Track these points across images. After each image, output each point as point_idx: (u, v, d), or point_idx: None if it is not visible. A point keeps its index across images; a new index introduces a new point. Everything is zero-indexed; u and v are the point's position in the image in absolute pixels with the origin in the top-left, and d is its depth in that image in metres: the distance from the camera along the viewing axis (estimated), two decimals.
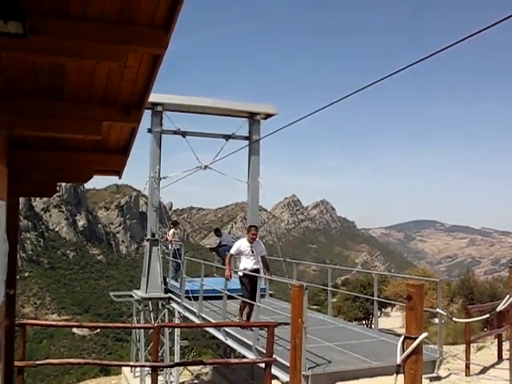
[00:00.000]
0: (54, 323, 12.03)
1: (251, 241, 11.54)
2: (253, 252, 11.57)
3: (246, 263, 11.57)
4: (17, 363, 6.47)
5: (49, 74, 4.35)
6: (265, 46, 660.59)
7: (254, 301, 10.86)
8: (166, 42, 3.71)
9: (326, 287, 13.63)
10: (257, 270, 11.66)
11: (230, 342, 11.77)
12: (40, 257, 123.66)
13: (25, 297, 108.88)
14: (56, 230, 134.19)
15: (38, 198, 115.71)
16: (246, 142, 19.17)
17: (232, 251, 11.72)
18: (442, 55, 5.35)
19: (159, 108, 18.16)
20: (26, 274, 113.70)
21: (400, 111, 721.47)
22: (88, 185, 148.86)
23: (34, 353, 71.77)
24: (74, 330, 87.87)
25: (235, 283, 16.82)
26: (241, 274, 11.67)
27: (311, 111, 8.64)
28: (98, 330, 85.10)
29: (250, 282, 11.34)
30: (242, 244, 11.65)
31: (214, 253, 20.15)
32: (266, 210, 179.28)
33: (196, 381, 19.67)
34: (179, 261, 17.07)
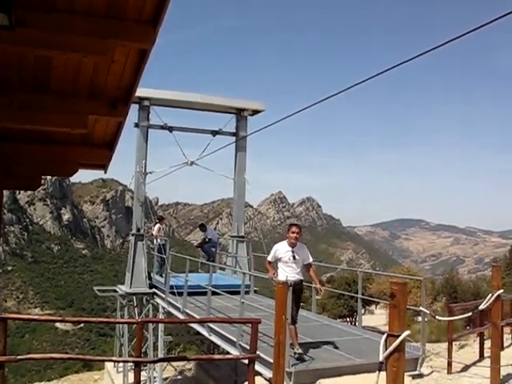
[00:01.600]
0: (36, 317, 11.94)
1: (293, 244, 9.01)
2: (295, 258, 8.98)
3: (286, 273, 8.93)
4: None
5: (35, 67, 4.33)
6: (253, 44, 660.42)
7: (296, 320, 9.13)
8: (153, 38, 3.71)
9: (310, 284, 13.64)
10: (300, 283, 9.16)
11: (213, 338, 11.77)
12: (24, 250, 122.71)
13: (7, 291, 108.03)
14: (40, 223, 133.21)
15: (22, 191, 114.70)
16: (233, 138, 19.13)
17: (269, 258, 9.24)
18: (435, 53, 5.37)
19: (146, 102, 18.07)
20: (9, 268, 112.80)
21: (386, 111, 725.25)
22: (73, 178, 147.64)
23: (15, 347, 71.35)
24: (57, 324, 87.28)
25: (220, 279, 16.85)
26: None
27: (299, 108, 8.66)
28: (82, 325, 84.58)
29: (294, 294, 8.68)
30: (281, 248, 9.11)
31: (199, 249, 20.14)
32: (251, 207, 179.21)
33: (179, 376, 19.66)
34: (164, 256, 17.03)
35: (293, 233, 8.96)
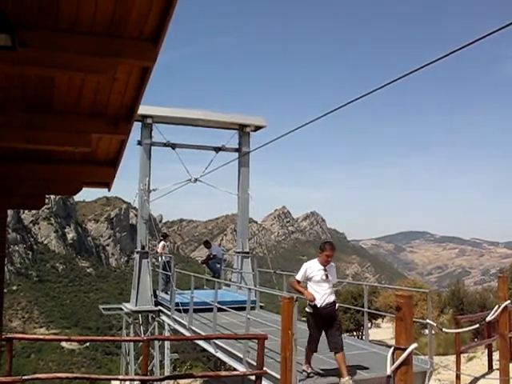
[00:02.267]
0: (41, 337, 11.89)
1: (325, 263, 8.42)
2: (327, 277, 8.38)
3: (318, 293, 8.27)
4: (2, 379, 6.38)
5: (37, 87, 4.36)
6: (253, 59, 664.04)
7: (335, 347, 8.34)
8: (155, 55, 3.73)
9: None
10: (333, 304, 8.43)
11: (220, 355, 11.70)
12: (28, 270, 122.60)
13: (12, 310, 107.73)
14: (45, 242, 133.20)
15: (26, 211, 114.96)
16: (236, 154, 19.16)
17: (298, 276, 8.48)
18: (431, 66, 5.38)
19: (149, 120, 18.12)
20: (14, 288, 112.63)
21: (388, 123, 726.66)
22: (77, 197, 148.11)
23: (21, 368, 70.95)
24: (63, 343, 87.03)
25: (226, 295, 16.80)
26: (309, 309, 8.49)
27: (301, 123, 8.66)
28: (88, 344, 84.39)
29: (322, 321, 8.29)
30: (313, 266, 8.43)
31: (204, 265, 20.11)
32: (256, 222, 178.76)
33: None
34: (169, 273, 16.99)
35: (330, 250, 8.37)
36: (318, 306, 8.15)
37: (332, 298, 8.40)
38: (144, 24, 3.49)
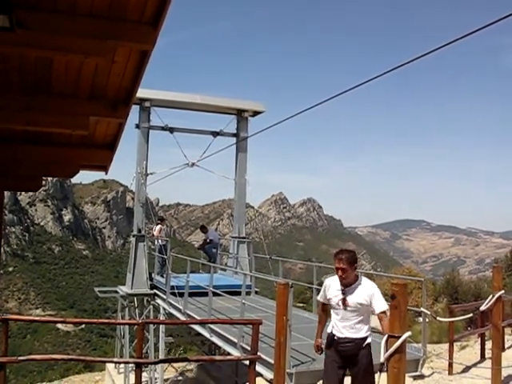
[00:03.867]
0: (37, 318, 11.94)
1: (342, 280, 5.62)
2: (345, 303, 5.64)
3: (333, 323, 5.82)
4: None
5: (36, 69, 4.34)
6: (253, 45, 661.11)
7: None
8: (154, 39, 3.71)
9: (311, 285, 13.63)
10: (351, 342, 5.63)
11: (214, 339, 11.76)
12: (25, 251, 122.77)
13: (9, 291, 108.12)
14: (41, 224, 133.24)
15: (23, 192, 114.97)
16: (234, 139, 19.13)
17: (320, 297, 6.13)
18: (429, 55, 5.36)
19: (147, 103, 18.05)
20: (11, 269, 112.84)
21: (387, 111, 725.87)
22: (74, 179, 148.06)
23: (17, 348, 71.35)
24: (59, 325, 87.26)
25: (221, 279, 16.85)
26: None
27: (300, 109, 8.63)
28: (83, 326, 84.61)
29: (341, 359, 5.71)
30: (332, 284, 5.81)
31: (200, 250, 20.16)
32: (252, 207, 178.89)
33: (180, 377, 19.64)
34: (165, 257, 17.03)
35: (337, 261, 5.61)
36: (335, 338, 5.73)
37: (351, 332, 5.62)
38: (144, 7, 3.46)
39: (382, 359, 4.55)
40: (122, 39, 3.66)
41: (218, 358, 11.49)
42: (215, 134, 19.45)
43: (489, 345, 9.49)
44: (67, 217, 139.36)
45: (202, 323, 12.09)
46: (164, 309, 16.13)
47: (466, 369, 9.75)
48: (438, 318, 8.81)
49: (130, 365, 15.98)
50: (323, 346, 5.96)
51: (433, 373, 9.67)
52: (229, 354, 10.70)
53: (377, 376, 4.92)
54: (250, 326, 7.53)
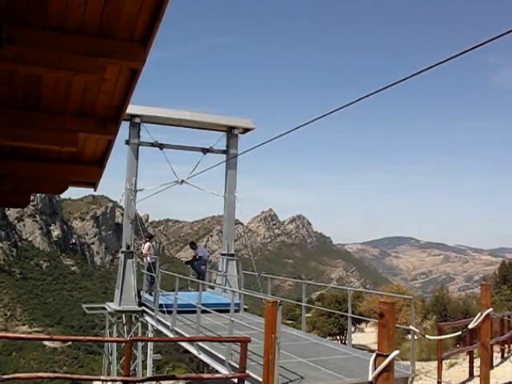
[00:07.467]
0: (23, 336, 11.79)
1: None
2: None
3: None
4: None
5: (25, 85, 4.33)
6: (243, 61, 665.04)
7: None
8: (144, 57, 3.72)
9: (300, 303, 13.59)
10: None
11: (203, 357, 11.67)
12: (12, 267, 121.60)
13: None
14: (29, 239, 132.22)
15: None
16: (224, 156, 19.15)
17: None
18: (425, 73, 5.40)
19: (137, 120, 18.06)
20: None
21: (374, 128, 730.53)
22: (64, 195, 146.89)
23: (2, 366, 70.53)
24: (45, 342, 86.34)
25: (210, 297, 16.77)
26: None
27: (290, 127, 8.65)
28: (70, 343, 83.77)
29: None
30: None
31: (189, 266, 20.06)
32: (242, 224, 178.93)
33: None
34: (154, 274, 16.93)
35: None
36: None
37: None
38: (134, 25, 3.48)
39: (370, 378, 4.55)
40: (112, 57, 3.67)
41: (206, 375, 11.34)
42: (205, 150, 19.45)
43: (477, 362, 9.49)
44: (56, 232, 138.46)
45: (191, 341, 12.00)
46: (152, 326, 16.00)
47: None
48: (426, 336, 8.81)
49: (118, 383, 15.80)
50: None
51: None
52: (217, 371, 10.60)
53: None
54: (239, 343, 7.48)
